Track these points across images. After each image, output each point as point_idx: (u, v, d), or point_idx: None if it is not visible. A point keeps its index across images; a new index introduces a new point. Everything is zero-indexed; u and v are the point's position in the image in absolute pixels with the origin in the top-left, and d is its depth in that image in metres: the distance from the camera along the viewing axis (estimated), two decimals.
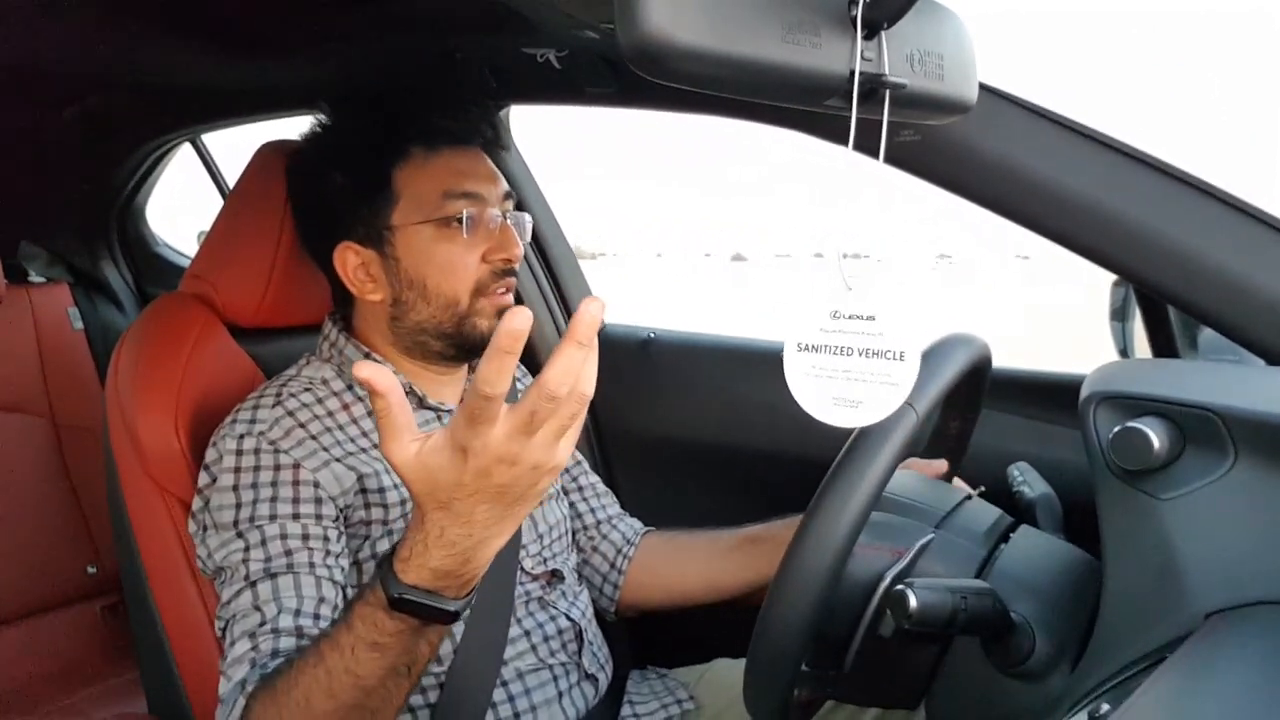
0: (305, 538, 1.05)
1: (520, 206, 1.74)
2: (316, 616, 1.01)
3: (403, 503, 1.13)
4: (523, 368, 1.46)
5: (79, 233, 2.39)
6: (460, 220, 1.14)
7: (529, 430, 0.72)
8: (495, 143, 1.23)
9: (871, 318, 0.74)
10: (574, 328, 0.71)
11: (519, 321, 0.69)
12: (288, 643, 0.98)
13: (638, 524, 1.45)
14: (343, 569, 1.08)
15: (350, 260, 1.18)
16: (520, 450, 0.73)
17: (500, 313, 1.18)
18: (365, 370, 0.72)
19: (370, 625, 0.84)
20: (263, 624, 0.99)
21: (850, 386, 0.74)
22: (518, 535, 1.22)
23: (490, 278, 1.17)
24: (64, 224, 2.38)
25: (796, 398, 0.75)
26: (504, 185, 1.20)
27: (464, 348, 1.20)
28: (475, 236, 1.16)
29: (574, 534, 1.40)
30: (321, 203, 1.21)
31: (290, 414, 1.13)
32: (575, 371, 0.71)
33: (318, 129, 1.24)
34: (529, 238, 1.26)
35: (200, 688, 1.21)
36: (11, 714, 1.91)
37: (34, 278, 2.37)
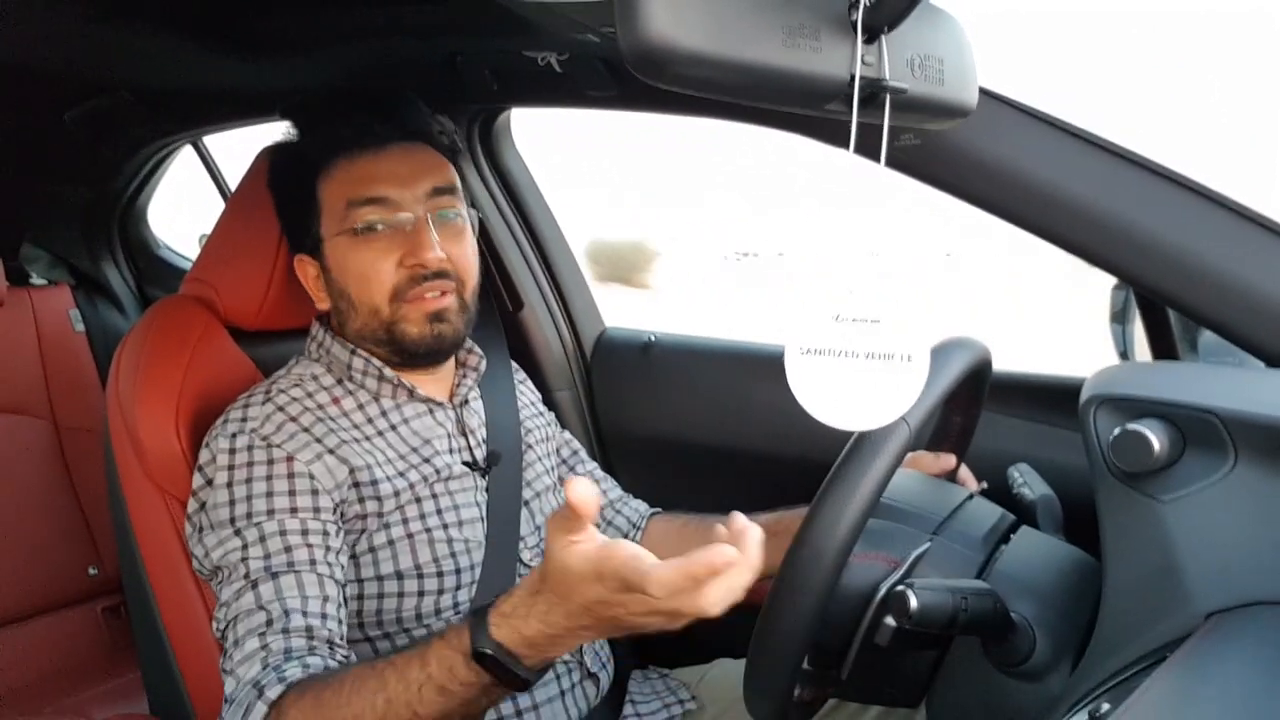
0: (304, 533, 1.06)
1: (519, 207, 1.74)
2: (323, 616, 1.02)
3: (396, 494, 1.13)
4: (519, 370, 1.46)
5: (81, 235, 2.39)
6: (368, 228, 1.13)
7: (662, 613, 0.78)
8: (414, 136, 1.19)
9: (877, 321, 0.74)
10: (748, 550, 0.77)
11: (722, 558, 0.75)
12: (298, 642, 0.98)
13: (642, 506, 1.45)
14: (342, 565, 1.08)
15: (309, 271, 1.21)
16: (646, 613, 0.78)
17: (430, 317, 1.15)
18: (575, 488, 0.77)
19: (445, 669, 0.86)
20: (270, 623, 0.99)
21: (858, 390, 0.74)
22: (516, 528, 1.22)
23: (408, 283, 1.14)
24: (66, 226, 2.38)
25: (802, 402, 0.75)
26: (430, 182, 1.16)
27: (402, 353, 1.18)
28: (390, 242, 1.14)
29: None
30: (279, 215, 1.24)
31: (281, 409, 1.13)
32: (737, 591, 0.77)
33: (279, 142, 1.26)
34: (471, 235, 1.22)
35: (201, 687, 1.22)
36: (13, 714, 1.91)
37: (35, 280, 2.37)
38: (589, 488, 0.78)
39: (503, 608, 0.85)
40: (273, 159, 1.25)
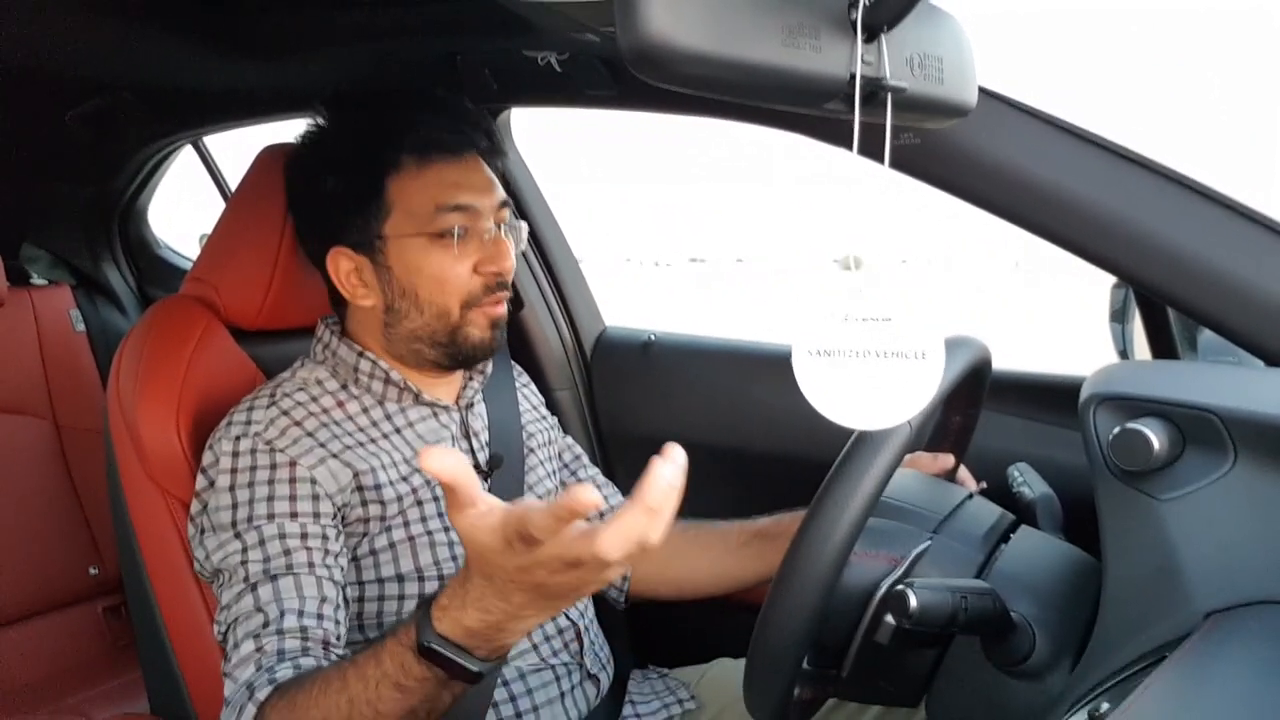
0: (304, 536, 1.06)
1: (520, 210, 1.75)
2: (319, 616, 1.02)
3: (399, 499, 1.13)
4: (523, 373, 1.46)
5: (81, 235, 2.39)
6: (453, 234, 1.14)
7: (575, 566, 0.72)
8: (492, 150, 1.22)
9: (888, 319, 0.74)
10: (644, 491, 0.68)
11: (585, 498, 0.67)
12: (292, 643, 0.99)
13: None
14: (342, 568, 1.08)
15: (343, 265, 1.18)
16: (562, 570, 0.73)
17: (493, 323, 1.18)
18: (431, 461, 0.70)
19: (398, 665, 0.85)
20: (266, 624, 1.00)
21: (872, 389, 0.74)
22: None
23: (482, 290, 1.17)
24: (66, 226, 2.38)
25: (814, 404, 0.74)
26: (499, 194, 1.20)
27: (457, 356, 1.20)
28: (467, 249, 1.15)
29: None
30: (316, 206, 1.21)
31: (285, 413, 1.13)
32: (636, 538, 0.69)
33: (314, 130, 1.23)
34: (524, 245, 1.25)
35: (202, 688, 1.22)
36: (13, 714, 1.91)
37: (36, 280, 2.37)
38: (445, 456, 0.72)
39: (441, 600, 0.83)
40: (329, 151, 1.21)
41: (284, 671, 0.96)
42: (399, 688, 0.85)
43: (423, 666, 0.83)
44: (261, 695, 0.93)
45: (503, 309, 1.20)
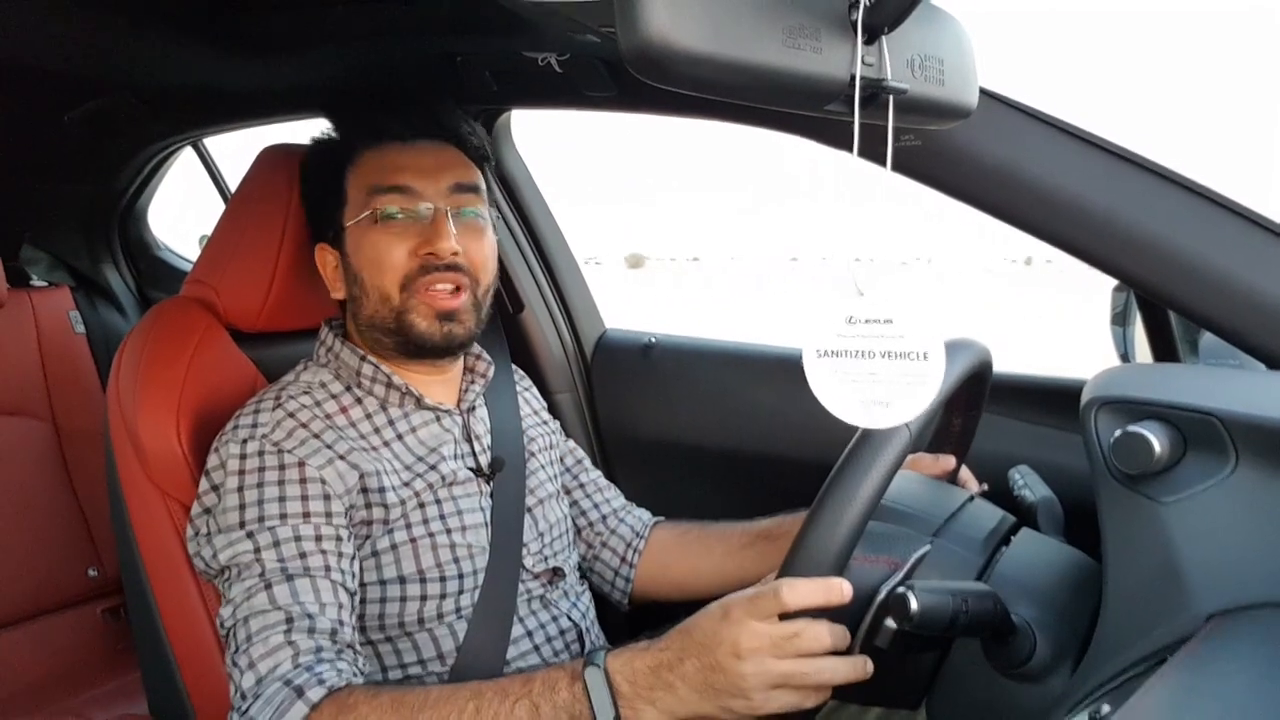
0: (318, 539, 1.06)
1: (520, 210, 1.75)
2: (341, 622, 1.02)
3: (402, 503, 1.13)
4: (524, 377, 1.46)
5: (81, 236, 2.39)
6: (388, 214, 1.15)
7: (777, 652, 0.85)
8: (446, 136, 1.21)
9: (890, 320, 0.74)
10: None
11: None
12: (325, 643, 0.99)
13: (645, 515, 1.45)
14: (354, 574, 1.08)
15: (328, 260, 1.23)
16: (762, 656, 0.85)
17: (439, 315, 1.16)
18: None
19: (547, 685, 0.91)
20: (291, 621, 0.99)
21: (877, 388, 0.74)
22: (519, 534, 1.23)
23: (419, 272, 1.15)
24: (66, 227, 2.38)
25: (824, 404, 0.75)
26: (452, 179, 1.18)
27: (408, 346, 1.18)
28: (406, 230, 1.15)
29: (579, 531, 1.41)
30: (306, 206, 1.26)
31: (291, 415, 1.13)
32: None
33: (317, 135, 1.27)
34: (490, 236, 1.22)
35: (201, 689, 1.21)
36: (13, 716, 1.91)
37: (36, 281, 2.37)
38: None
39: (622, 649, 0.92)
40: (308, 153, 1.27)
41: (328, 673, 0.96)
42: (534, 711, 0.90)
43: (569, 693, 0.90)
44: (314, 695, 0.93)
45: (453, 303, 1.16)
